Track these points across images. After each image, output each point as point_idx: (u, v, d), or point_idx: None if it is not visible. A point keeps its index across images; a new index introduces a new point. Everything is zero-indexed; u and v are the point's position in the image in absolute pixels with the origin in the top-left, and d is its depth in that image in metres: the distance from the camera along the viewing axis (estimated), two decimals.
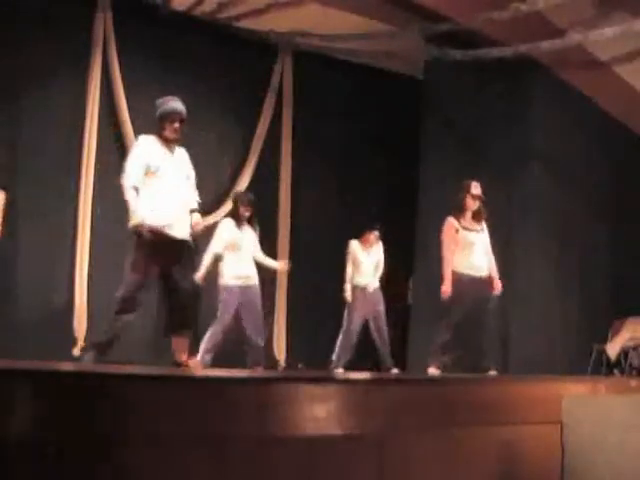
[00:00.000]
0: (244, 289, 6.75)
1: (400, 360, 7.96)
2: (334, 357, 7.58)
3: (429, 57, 8.52)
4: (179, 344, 5.07)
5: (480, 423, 3.01)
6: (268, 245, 7.87)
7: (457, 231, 6.38)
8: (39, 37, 7.27)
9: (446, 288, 6.22)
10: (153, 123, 7.89)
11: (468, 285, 6.27)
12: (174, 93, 8.11)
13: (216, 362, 6.50)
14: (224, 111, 8.50)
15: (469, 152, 8.62)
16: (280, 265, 7.50)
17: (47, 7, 7.30)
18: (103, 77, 7.63)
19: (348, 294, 7.58)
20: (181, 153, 5.26)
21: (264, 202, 8.53)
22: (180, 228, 5.03)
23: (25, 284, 7.21)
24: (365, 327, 7.67)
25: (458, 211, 6.41)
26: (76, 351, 7.27)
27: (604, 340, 8.11)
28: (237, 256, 6.76)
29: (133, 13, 7.66)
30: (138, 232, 4.88)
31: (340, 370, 7.38)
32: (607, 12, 6.91)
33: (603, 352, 8.08)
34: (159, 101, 5.29)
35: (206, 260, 6.67)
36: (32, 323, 7.14)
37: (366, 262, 7.72)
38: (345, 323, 7.63)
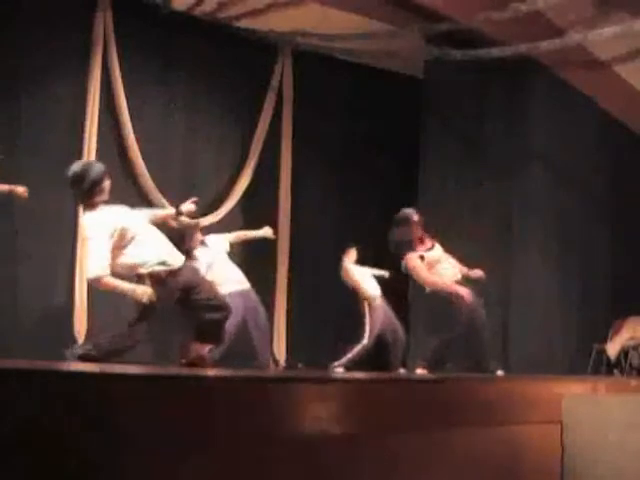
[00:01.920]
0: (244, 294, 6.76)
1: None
2: (349, 355, 7.55)
3: (429, 57, 8.51)
4: (200, 348, 5.10)
5: (480, 423, 3.01)
6: (268, 244, 7.87)
7: (422, 258, 6.40)
8: (39, 37, 7.25)
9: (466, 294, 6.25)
10: (153, 122, 7.99)
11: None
12: (174, 92, 8.18)
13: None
14: (224, 111, 8.49)
15: (469, 152, 8.62)
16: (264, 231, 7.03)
17: (47, 7, 7.29)
18: (103, 77, 7.62)
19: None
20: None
21: (264, 202, 8.55)
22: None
23: (25, 284, 7.20)
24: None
25: (410, 247, 6.43)
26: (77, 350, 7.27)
27: (604, 340, 8.12)
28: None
29: (133, 13, 7.65)
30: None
31: (340, 369, 7.37)
32: (607, 12, 6.92)
33: (603, 352, 8.08)
34: (79, 169, 4.82)
35: None
36: (32, 323, 7.13)
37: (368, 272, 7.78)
38: (369, 331, 7.63)
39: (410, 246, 6.45)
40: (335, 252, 8.48)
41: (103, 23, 7.59)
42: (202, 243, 6.72)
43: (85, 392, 2.01)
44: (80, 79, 7.55)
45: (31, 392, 1.92)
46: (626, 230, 8.56)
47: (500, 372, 6.22)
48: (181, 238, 6.14)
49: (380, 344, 7.69)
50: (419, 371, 6.28)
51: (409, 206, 8.87)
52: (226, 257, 6.82)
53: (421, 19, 7.64)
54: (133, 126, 7.71)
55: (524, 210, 8.21)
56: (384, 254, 8.14)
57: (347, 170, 9.06)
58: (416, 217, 6.53)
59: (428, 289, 6.48)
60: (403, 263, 6.48)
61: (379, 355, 7.73)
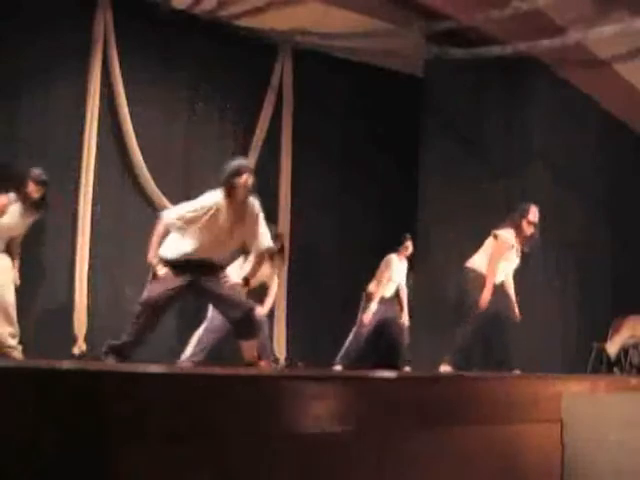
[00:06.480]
0: None
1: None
2: (341, 354, 7.61)
3: (429, 55, 8.51)
4: (248, 346, 5.14)
5: (480, 421, 3.01)
6: None
7: (512, 247, 6.42)
8: (39, 36, 7.25)
9: (485, 301, 6.24)
10: (153, 121, 7.98)
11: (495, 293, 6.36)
12: (174, 92, 8.18)
13: (214, 359, 6.51)
14: (224, 110, 8.50)
15: (469, 152, 8.62)
16: None
17: (47, 7, 7.29)
18: (103, 76, 7.62)
19: (370, 313, 7.63)
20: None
21: (264, 201, 8.54)
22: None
23: (25, 284, 7.19)
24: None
25: (515, 229, 6.46)
26: (76, 350, 7.28)
27: (604, 338, 8.13)
28: None
29: (133, 12, 7.65)
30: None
31: (339, 367, 7.39)
32: (607, 10, 6.91)
33: (603, 350, 8.09)
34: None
35: None
36: (32, 323, 7.13)
37: (399, 276, 7.78)
38: (358, 325, 7.67)
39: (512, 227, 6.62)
40: (335, 251, 8.49)
41: (103, 22, 7.60)
42: None
43: (84, 391, 2.01)
44: (80, 79, 7.55)
45: (32, 391, 1.92)
46: (626, 230, 8.56)
47: (517, 371, 6.18)
48: None
49: (385, 341, 7.74)
50: (444, 368, 6.23)
51: (409, 205, 8.90)
52: None
53: (421, 18, 7.64)
54: (133, 126, 7.71)
55: None
56: (383, 253, 8.18)
57: (347, 169, 9.06)
58: (533, 217, 6.53)
59: None
60: None
61: (387, 353, 7.78)
